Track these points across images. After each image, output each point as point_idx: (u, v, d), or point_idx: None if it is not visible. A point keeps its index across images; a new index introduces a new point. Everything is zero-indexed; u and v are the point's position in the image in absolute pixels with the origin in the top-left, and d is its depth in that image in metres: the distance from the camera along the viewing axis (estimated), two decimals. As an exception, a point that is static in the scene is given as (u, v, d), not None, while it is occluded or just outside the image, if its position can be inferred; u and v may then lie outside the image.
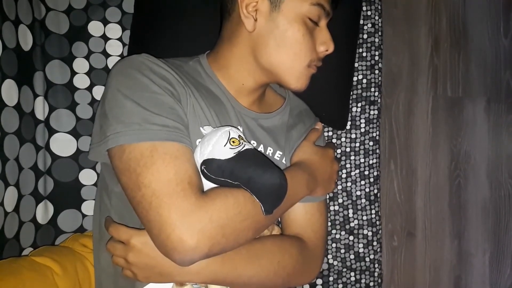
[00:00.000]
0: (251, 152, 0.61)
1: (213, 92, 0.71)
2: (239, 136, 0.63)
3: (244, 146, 0.61)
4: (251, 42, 0.70)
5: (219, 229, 0.55)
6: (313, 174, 0.72)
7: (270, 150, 0.75)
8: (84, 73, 0.97)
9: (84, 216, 0.97)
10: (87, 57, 0.97)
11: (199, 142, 0.63)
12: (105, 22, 0.98)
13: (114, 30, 0.99)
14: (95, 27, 0.97)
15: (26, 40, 0.88)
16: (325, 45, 0.71)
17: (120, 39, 0.99)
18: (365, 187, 1.07)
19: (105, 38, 0.98)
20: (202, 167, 0.59)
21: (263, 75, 0.72)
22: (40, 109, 0.92)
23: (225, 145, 0.60)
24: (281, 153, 0.76)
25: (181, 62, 0.73)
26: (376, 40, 1.06)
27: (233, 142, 0.61)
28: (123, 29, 0.99)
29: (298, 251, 0.71)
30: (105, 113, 0.61)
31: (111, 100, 0.60)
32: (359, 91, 1.06)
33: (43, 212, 0.92)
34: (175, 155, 0.57)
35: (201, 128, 0.65)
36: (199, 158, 0.60)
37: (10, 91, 0.81)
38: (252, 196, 0.59)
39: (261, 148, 0.73)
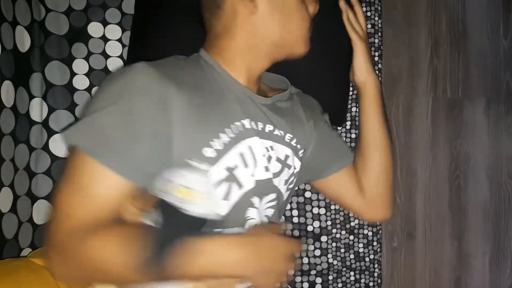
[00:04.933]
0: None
1: (222, 89, 0.69)
2: None
3: None
4: (254, 26, 0.70)
5: (76, 271, 0.57)
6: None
7: (281, 132, 0.74)
8: (84, 74, 0.97)
9: (83, 217, 0.97)
10: (86, 58, 0.97)
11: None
12: (105, 23, 0.98)
13: (113, 31, 0.98)
14: (94, 28, 0.97)
15: (23, 42, 0.88)
16: (313, 6, 0.76)
17: (119, 40, 0.99)
18: (365, 188, 1.06)
19: (104, 39, 0.98)
20: None
21: (273, 53, 0.73)
22: (37, 110, 0.92)
23: None
24: (291, 135, 0.76)
25: (183, 66, 0.68)
26: (376, 41, 1.06)
27: None
28: (123, 30, 0.99)
29: None
30: (86, 112, 0.59)
31: (96, 101, 0.59)
32: (359, 92, 1.06)
33: (39, 212, 0.92)
34: (98, 189, 0.56)
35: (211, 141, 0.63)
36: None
37: (7, 92, 0.81)
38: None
39: (276, 131, 0.73)
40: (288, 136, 0.75)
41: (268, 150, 0.71)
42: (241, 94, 0.70)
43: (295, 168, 0.77)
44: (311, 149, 0.83)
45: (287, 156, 0.75)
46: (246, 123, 0.68)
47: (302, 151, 0.79)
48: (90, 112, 0.58)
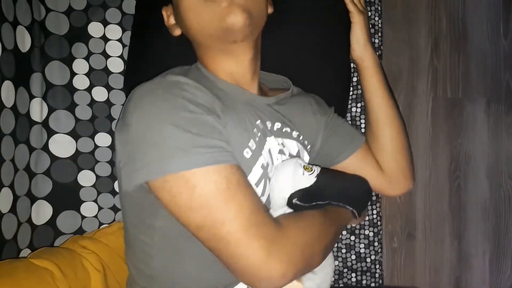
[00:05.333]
0: (325, 171, 0.67)
1: (231, 97, 0.68)
2: (305, 162, 0.68)
3: (315, 169, 0.66)
4: (190, 39, 0.72)
5: (300, 253, 0.56)
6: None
7: (289, 129, 0.75)
8: (84, 74, 0.96)
9: (83, 217, 0.97)
10: (86, 58, 0.96)
11: (271, 179, 0.66)
12: (105, 23, 0.98)
13: (114, 31, 0.98)
14: (95, 28, 0.97)
15: (24, 42, 0.87)
16: None
17: (120, 40, 0.99)
18: (366, 188, 1.06)
19: (105, 39, 0.98)
20: (294, 200, 0.64)
21: (218, 44, 0.66)
22: (37, 110, 0.91)
23: (303, 174, 0.65)
24: (297, 132, 0.77)
25: (198, 75, 0.69)
26: (376, 41, 1.06)
27: (307, 169, 0.65)
28: (123, 30, 0.99)
29: None
30: (136, 139, 0.55)
31: (143, 125, 0.55)
32: (359, 92, 1.06)
33: (38, 213, 0.91)
34: (245, 183, 0.56)
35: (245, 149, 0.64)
36: (277, 193, 0.65)
37: (8, 92, 0.80)
38: (338, 206, 0.67)
39: (285, 128, 0.74)
40: (295, 133, 0.76)
41: (282, 147, 0.72)
42: (246, 97, 0.70)
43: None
44: (320, 142, 0.83)
45: (298, 151, 0.76)
46: (260, 123, 0.69)
47: (309, 146, 0.80)
48: (157, 140, 0.54)
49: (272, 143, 0.69)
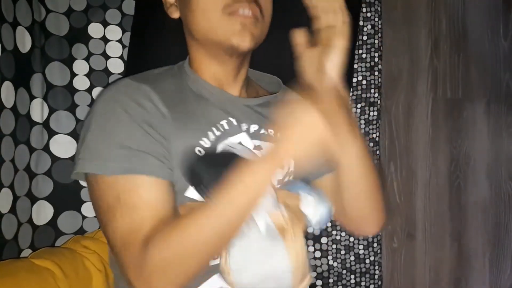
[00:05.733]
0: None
1: (202, 97, 0.70)
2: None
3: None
4: (185, 29, 0.71)
5: (170, 273, 0.57)
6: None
7: (271, 131, 0.73)
8: (84, 75, 0.97)
9: (84, 217, 0.97)
10: (87, 59, 0.97)
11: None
12: (105, 24, 0.98)
13: (114, 32, 0.98)
14: (95, 29, 0.97)
15: (24, 42, 0.87)
16: (246, 6, 0.65)
17: (120, 41, 0.99)
18: (365, 189, 1.06)
19: (105, 40, 0.98)
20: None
21: (214, 50, 0.69)
22: (37, 111, 0.92)
23: None
24: None
25: (162, 77, 0.70)
26: (376, 41, 1.07)
27: None
28: (123, 31, 0.99)
29: None
30: (81, 134, 0.64)
31: (91, 127, 0.62)
32: (359, 92, 1.06)
33: (39, 213, 0.92)
34: (134, 203, 0.58)
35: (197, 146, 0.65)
36: None
37: (7, 93, 0.81)
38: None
39: (262, 131, 0.72)
40: (278, 135, 0.74)
41: (257, 150, 0.70)
42: (222, 98, 0.71)
43: (289, 168, 0.75)
44: None
45: None
46: (233, 121, 0.69)
47: None
48: (93, 137, 0.61)
49: (244, 139, 0.69)
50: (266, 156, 0.60)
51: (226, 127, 0.69)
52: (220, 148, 0.67)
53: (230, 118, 0.69)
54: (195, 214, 0.59)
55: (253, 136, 0.71)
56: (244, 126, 0.70)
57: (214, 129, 0.67)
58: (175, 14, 0.72)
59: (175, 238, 0.57)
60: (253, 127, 0.71)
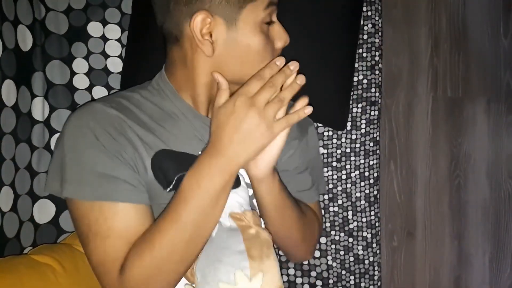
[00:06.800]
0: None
1: (177, 116, 0.69)
2: None
3: None
4: (211, 64, 0.65)
5: (151, 282, 0.60)
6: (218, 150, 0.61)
7: None
8: (84, 74, 0.97)
9: (84, 216, 0.97)
10: (86, 58, 0.97)
11: None
12: (105, 23, 0.98)
13: (113, 31, 0.99)
14: (94, 28, 0.97)
15: (25, 41, 0.88)
16: (283, 40, 0.68)
17: (119, 40, 0.99)
18: (365, 189, 1.06)
19: (104, 39, 0.98)
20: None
21: (232, 86, 0.66)
22: (39, 109, 0.92)
23: None
24: None
25: (135, 100, 0.70)
26: (376, 40, 1.06)
27: None
28: (122, 30, 0.99)
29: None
30: (59, 158, 0.64)
31: (64, 150, 0.63)
32: (360, 92, 1.06)
33: (41, 212, 0.92)
34: (107, 234, 0.60)
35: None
36: None
37: (9, 91, 0.81)
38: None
39: None
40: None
41: None
42: (195, 118, 0.70)
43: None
44: (283, 162, 0.79)
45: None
46: (196, 143, 0.69)
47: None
48: (68, 160, 0.62)
49: None
50: (216, 161, 0.60)
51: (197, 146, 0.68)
52: None
53: (204, 140, 0.69)
54: (159, 222, 0.60)
55: None
56: None
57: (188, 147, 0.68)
58: (207, 51, 0.64)
59: (147, 252, 0.59)
60: None
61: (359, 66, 1.05)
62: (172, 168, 0.65)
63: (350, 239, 1.05)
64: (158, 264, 0.59)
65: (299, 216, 0.74)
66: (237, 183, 0.67)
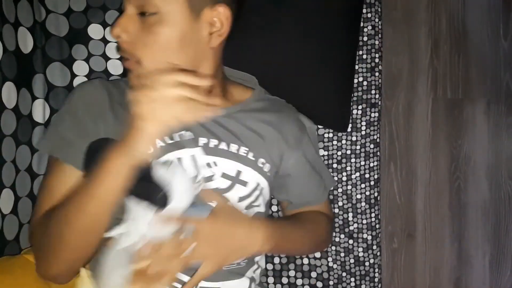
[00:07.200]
0: None
1: None
2: None
3: None
4: (216, 54, 0.73)
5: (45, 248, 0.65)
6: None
7: (234, 146, 0.72)
8: (84, 76, 0.97)
9: (84, 218, 0.97)
10: (87, 60, 0.96)
11: None
12: (105, 25, 0.98)
13: (114, 33, 0.98)
14: (94, 30, 0.97)
15: (26, 43, 0.88)
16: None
17: (120, 42, 0.99)
18: (365, 190, 1.06)
19: (104, 41, 0.98)
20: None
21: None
22: (39, 111, 0.92)
23: None
24: (246, 149, 0.73)
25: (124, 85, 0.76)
26: (376, 42, 1.06)
27: None
28: (123, 32, 0.99)
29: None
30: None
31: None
32: (360, 94, 1.06)
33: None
34: (45, 184, 0.71)
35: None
36: None
37: (9, 93, 0.81)
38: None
39: (222, 146, 0.71)
40: (243, 150, 0.73)
41: (210, 167, 0.70)
42: None
43: (258, 184, 0.74)
44: (283, 166, 0.79)
45: (239, 172, 0.72)
46: (185, 134, 0.69)
47: (267, 165, 0.75)
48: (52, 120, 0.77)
49: (198, 155, 0.69)
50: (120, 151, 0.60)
51: (177, 139, 0.69)
52: (165, 158, 0.67)
53: (184, 132, 0.69)
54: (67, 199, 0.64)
55: (211, 151, 0.70)
56: (202, 141, 0.70)
57: (166, 138, 0.69)
58: (214, 42, 0.68)
59: (49, 216, 0.65)
60: (213, 142, 0.71)
61: (359, 68, 1.05)
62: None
63: (351, 241, 1.05)
64: (47, 232, 0.64)
65: (310, 236, 0.81)
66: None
